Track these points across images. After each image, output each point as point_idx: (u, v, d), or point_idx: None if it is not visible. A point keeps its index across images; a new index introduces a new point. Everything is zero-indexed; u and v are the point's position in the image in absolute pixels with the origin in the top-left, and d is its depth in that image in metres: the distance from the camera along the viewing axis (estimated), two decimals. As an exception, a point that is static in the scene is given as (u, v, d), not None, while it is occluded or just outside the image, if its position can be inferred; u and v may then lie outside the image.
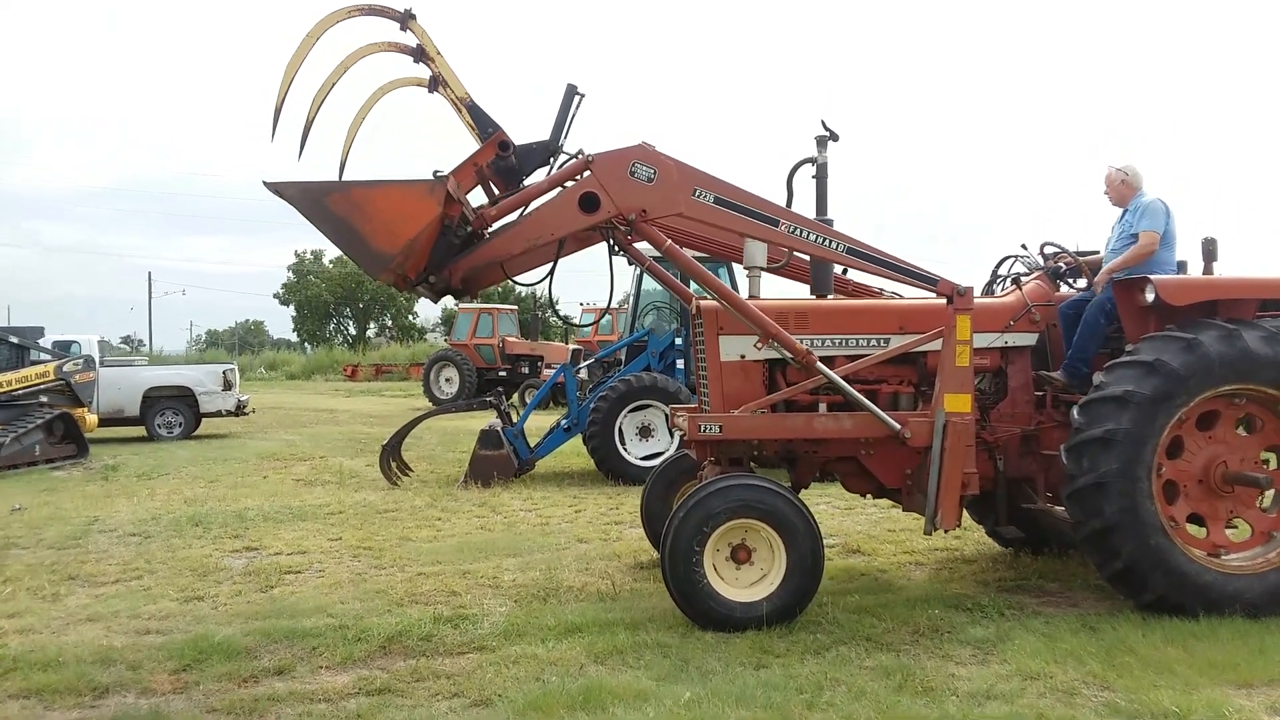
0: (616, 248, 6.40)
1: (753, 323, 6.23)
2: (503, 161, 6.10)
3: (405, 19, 5.90)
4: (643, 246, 6.24)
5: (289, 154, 5.72)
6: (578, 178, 6.01)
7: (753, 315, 6.24)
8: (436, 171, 5.78)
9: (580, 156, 6.02)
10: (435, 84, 6.19)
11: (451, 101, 6.16)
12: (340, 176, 6.04)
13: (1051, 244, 7.19)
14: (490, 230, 6.02)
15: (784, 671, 5.09)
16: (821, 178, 7.07)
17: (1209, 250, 7.01)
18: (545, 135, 6.22)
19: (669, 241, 6.11)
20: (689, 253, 6.42)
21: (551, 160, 6.20)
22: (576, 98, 6.19)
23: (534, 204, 6.05)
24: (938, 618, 6.02)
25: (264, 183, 5.38)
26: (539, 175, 6.23)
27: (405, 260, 5.56)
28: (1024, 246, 7.35)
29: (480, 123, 6.11)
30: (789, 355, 6.24)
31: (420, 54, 6.08)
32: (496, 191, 6.20)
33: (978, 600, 6.40)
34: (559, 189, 6.04)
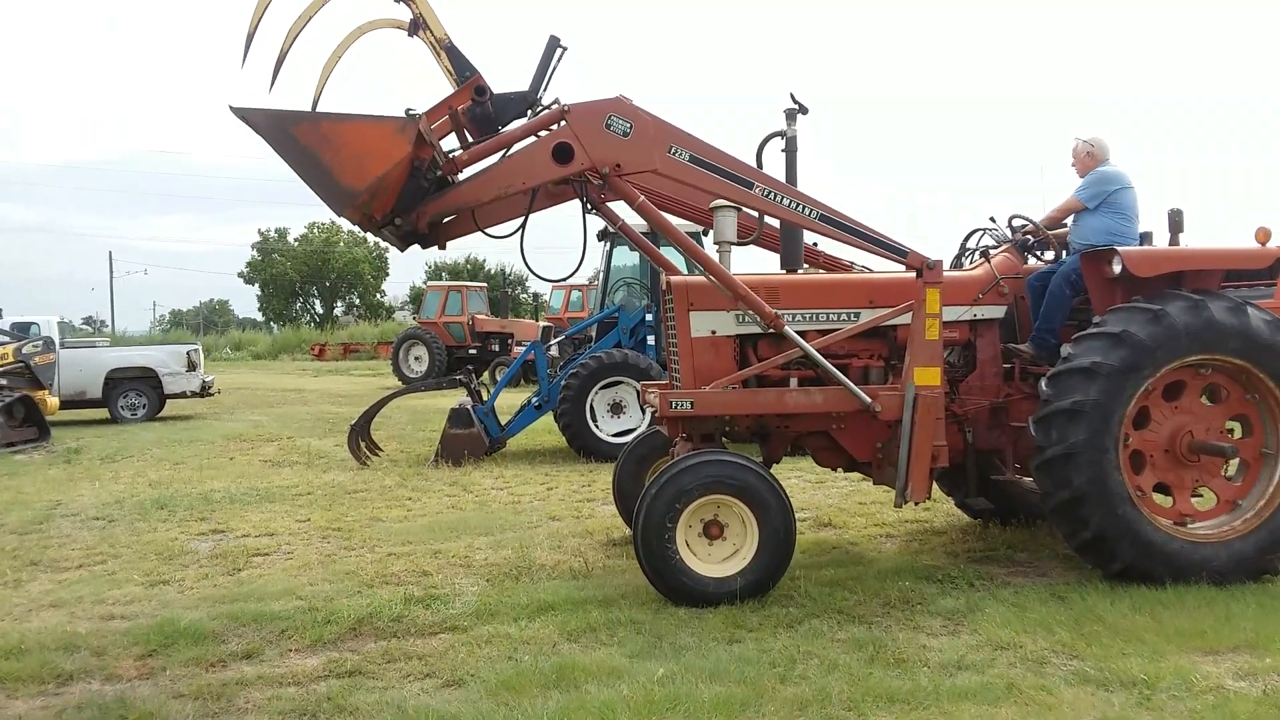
0: (589, 205, 6.32)
1: (723, 284, 6.19)
2: (478, 107, 5.95)
3: None
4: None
5: (260, 87, 5.55)
6: (553, 128, 5.90)
7: (722, 276, 6.19)
8: (409, 110, 5.61)
9: (556, 106, 5.90)
10: (416, 27, 6.02)
11: (430, 45, 5.98)
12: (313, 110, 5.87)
13: (1020, 216, 7.21)
14: (461, 177, 5.89)
15: (757, 646, 5.10)
16: (791, 151, 7.01)
17: (1175, 222, 7.06)
18: (526, 89, 6.06)
19: (642, 198, 6.03)
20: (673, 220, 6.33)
21: (529, 112, 6.06)
22: (559, 50, 6.03)
23: (507, 152, 5.94)
24: (909, 589, 6.06)
25: (230, 107, 5.19)
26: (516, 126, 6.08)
27: (371, 199, 5.41)
28: (992, 219, 7.37)
29: (458, 66, 5.95)
30: (758, 319, 6.20)
31: None
32: (470, 139, 6.06)
33: (948, 572, 6.45)
34: (533, 138, 5.93)
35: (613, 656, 4.97)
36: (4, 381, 14.91)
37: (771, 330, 6.46)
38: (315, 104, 6.05)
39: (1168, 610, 5.48)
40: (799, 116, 7.10)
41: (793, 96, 6.96)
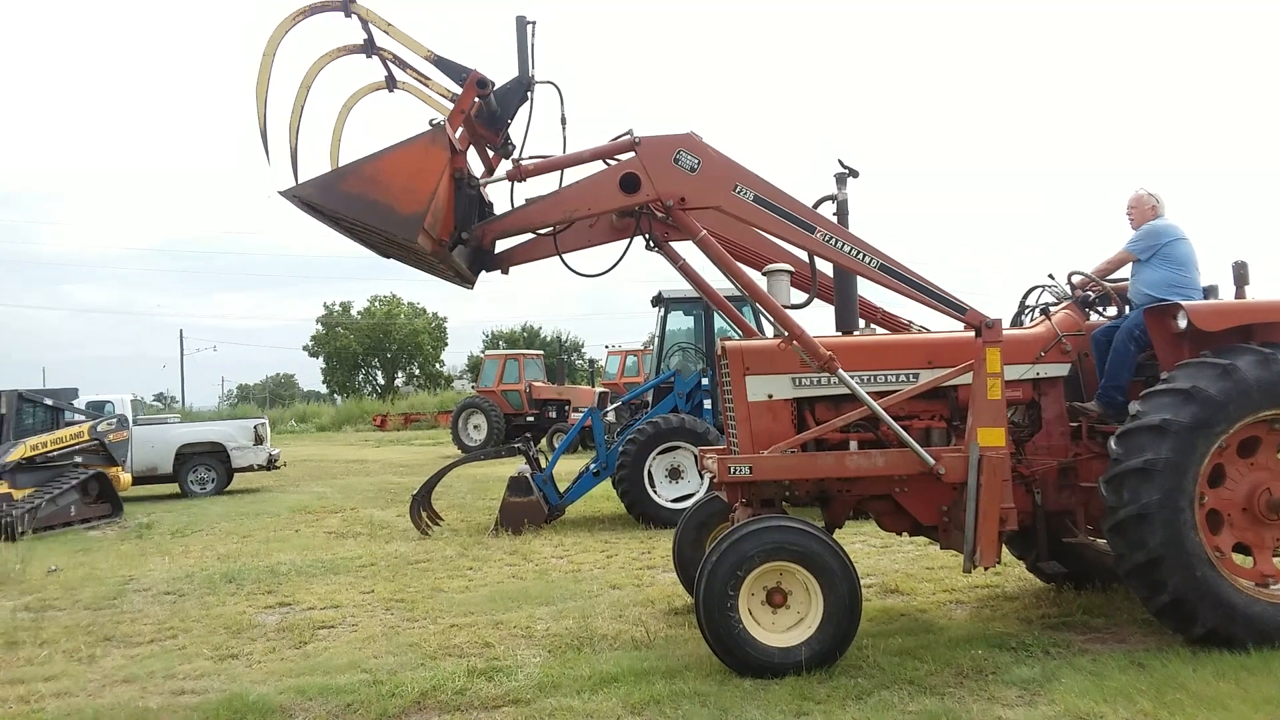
0: (651, 242, 6.40)
1: (778, 322, 6.21)
2: (485, 105, 5.97)
3: (345, 5, 5.71)
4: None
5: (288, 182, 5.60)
6: (621, 157, 5.99)
7: (777, 314, 6.20)
8: (432, 120, 5.72)
9: (628, 136, 6.00)
10: (392, 83, 6.16)
11: (415, 78, 6.03)
12: None
13: (1079, 272, 7.12)
14: (527, 184, 6.00)
15: (825, 719, 4.98)
16: (842, 215, 7.04)
17: (1240, 274, 6.91)
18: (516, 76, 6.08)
19: (704, 232, 6.08)
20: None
21: (529, 94, 6.07)
22: (529, 27, 6.03)
23: (573, 172, 6.05)
24: (981, 658, 5.90)
25: (279, 192, 5.36)
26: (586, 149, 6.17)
27: (434, 219, 5.46)
28: (1051, 276, 7.28)
29: (451, 72, 5.93)
30: (811, 361, 6.16)
31: (370, 46, 5.95)
32: (486, 138, 6.10)
33: (1022, 639, 6.26)
34: (602, 164, 6.02)
35: (678, 730, 4.89)
36: (80, 459, 15.36)
37: (829, 395, 6.44)
38: (335, 159, 6.17)
39: (1253, 676, 5.25)
40: (849, 180, 7.14)
41: (841, 162, 7.01)
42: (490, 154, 6.30)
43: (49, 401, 16.00)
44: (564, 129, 6.16)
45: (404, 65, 6.07)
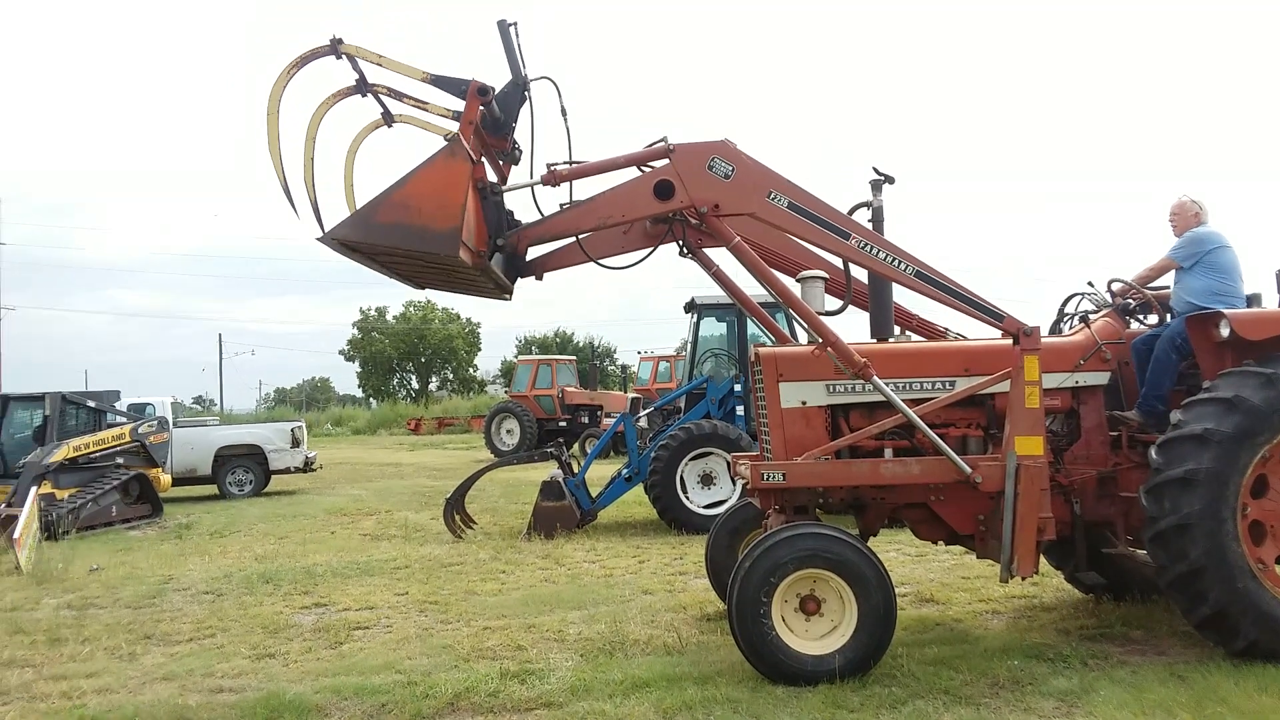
0: (685, 249, 6.43)
1: (813, 328, 6.19)
2: (489, 112, 5.95)
3: (335, 47, 5.71)
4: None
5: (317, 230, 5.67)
6: (655, 164, 6.02)
7: (812, 321, 6.18)
8: (446, 134, 5.76)
9: (662, 143, 6.02)
10: (390, 118, 6.19)
11: (414, 105, 6.05)
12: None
13: (1119, 280, 7.04)
14: (560, 189, 6.04)
15: (859, 727, 4.95)
16: (877, 222, 7.00)
17: (1285, 282, 6.79)
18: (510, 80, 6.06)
19: (738, 238, 6.08)
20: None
21: (526, 93, 6.06)
22: (511, 29, 5.99)
23: (606, 177, 6.08)
24: (1018, 669, 5.83)
25: (317, 239, 5.44)
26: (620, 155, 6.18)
27: (469, 232, 5.49)
28: (1090, 284, 7.20)
29: (451, 87, 5.89)
30: (846, 368, 6.13)
31: (362, 85, 5.95)
32: (494, 146, 6.13)
33: (1059, 650, 6.19)
34: (637, 171, 6.05)
35: (710, 736, 4.88)
36: (121, 460, 15.63)
37: (864, 402, 6.41)
38: (351, 203, 6.20)
39: (1298, 692, 5.15)
40: (884, 186, 7.10)
41: (875, 169, 6.98)
42: (500, 162, 6.32)
43: (91, 404, 16.29)
44: (565, 120, 6.17)
45: (400, 96, 6.06)
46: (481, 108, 5.87)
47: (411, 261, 5.79)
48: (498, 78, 5.94)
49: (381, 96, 6.06)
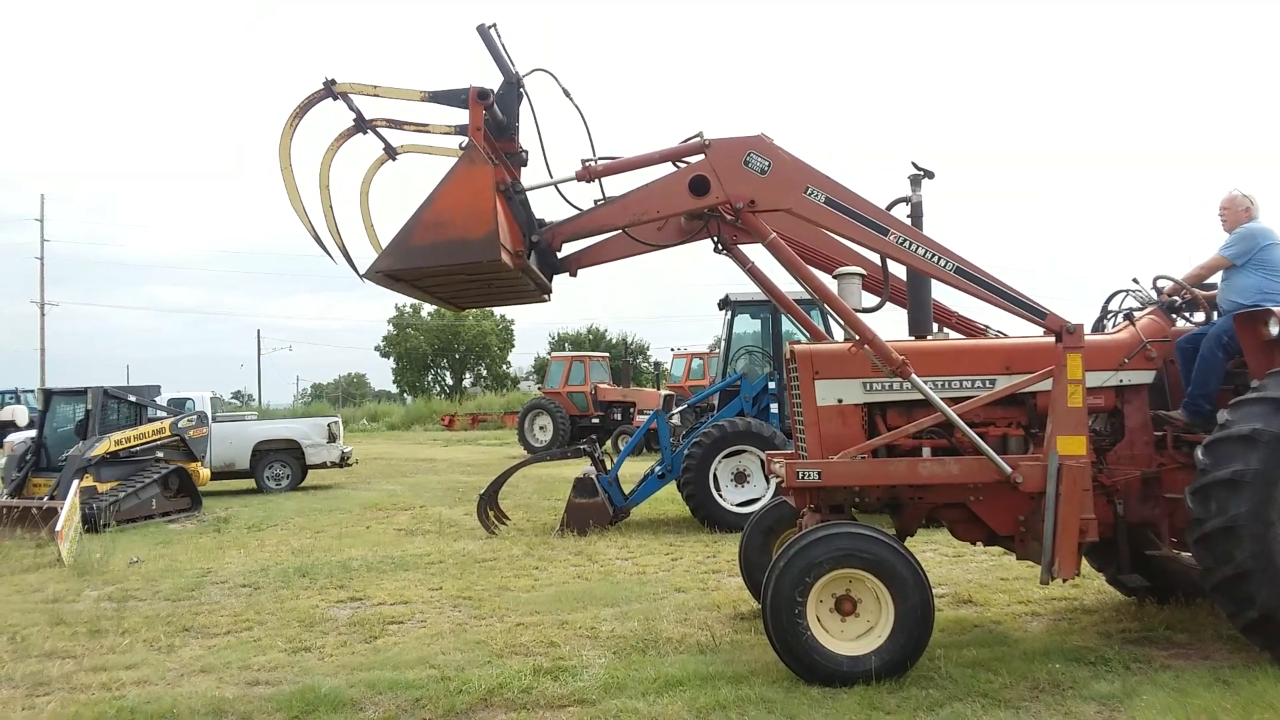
0: (720, 245, 6.38)
1: (850, 326, 6.12)
2: (492, 116, 5.86)
3: (329, 90, 5.70)
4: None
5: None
6: (691, 160, 5.96)
7: (849, 318, 6.10)
8: (461, 142, 5.74)
9: (698, 139, 5.96)
10: (392, 152, 6.16)
11: (415, 130, 6.03)
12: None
13: (1165, 277, 6.89)
14: (593, 186, 6.01)
15: (896, 729, 4.89)
16: (916, 217, 6.90)
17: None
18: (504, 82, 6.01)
19: (774, 234, 6.01)
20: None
21: (522, 90, 6.01)
22: (492, 30, 5.89)
23: (642, 173, 6.05)
24: (1058, 672, 5.73)
25: (362, 277, 5.49)
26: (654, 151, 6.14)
27: (504, 235, 5.45)
28: (1135, 280, 7.05)
29: (451, 100, 5.83)
30: (884, 366, 6.05)
31: (361, 123, 5.93)
32: (502, 149, 6.04)
33: (1101, 653, 6.08)
34: (672, 166, 6.00)
35: (744, 736, 4.84)
36: (161, 454, 15.84)
37: (901, 400, 6.32)
38: (375, 243, 6.19)
39: (1351, 699, 5.01)
40: (924, 181, 7.01)
41: (915, 164, 6.89)
42: (509, 165, 6.28)
43: (132, 398, 16.50)
44: (571, 100, 6.07)
45: (400, 125, 6.04)
46: (485, 111, 5.82)
47: (452, 279, 5.78)
48: (495, 82, 5.93)
49: (381, 130, 6.04)
